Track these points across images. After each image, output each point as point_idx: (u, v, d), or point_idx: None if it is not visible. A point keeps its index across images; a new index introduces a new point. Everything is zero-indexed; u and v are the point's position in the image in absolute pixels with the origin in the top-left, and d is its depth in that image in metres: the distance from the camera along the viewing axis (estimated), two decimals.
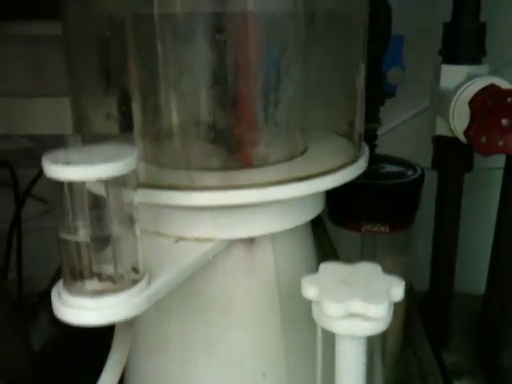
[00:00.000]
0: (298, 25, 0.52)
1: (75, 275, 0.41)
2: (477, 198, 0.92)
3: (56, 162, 0.39)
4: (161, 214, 0.50)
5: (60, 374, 0.75)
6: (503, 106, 0.68)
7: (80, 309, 0.40)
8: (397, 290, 0.43)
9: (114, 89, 0.54)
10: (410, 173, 0.75)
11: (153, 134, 0.55)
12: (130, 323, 0.45)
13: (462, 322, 0.92)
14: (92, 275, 0.41)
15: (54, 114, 0.86)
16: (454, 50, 0.82)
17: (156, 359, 0.55)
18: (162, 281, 0.43)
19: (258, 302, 0.53)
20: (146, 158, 0.54)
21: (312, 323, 0.44)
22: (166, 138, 0.53)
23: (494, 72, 0.80)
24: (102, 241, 0.41)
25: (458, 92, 0.73)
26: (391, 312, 0.42)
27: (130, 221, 0.42)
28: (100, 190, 0.40)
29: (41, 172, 0.39)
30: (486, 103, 0.68)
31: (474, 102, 0.69)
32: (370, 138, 0.82)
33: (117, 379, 0.46)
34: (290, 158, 0.54)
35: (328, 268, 0.47)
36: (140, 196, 0.45)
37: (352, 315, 0.42)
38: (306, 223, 0.55)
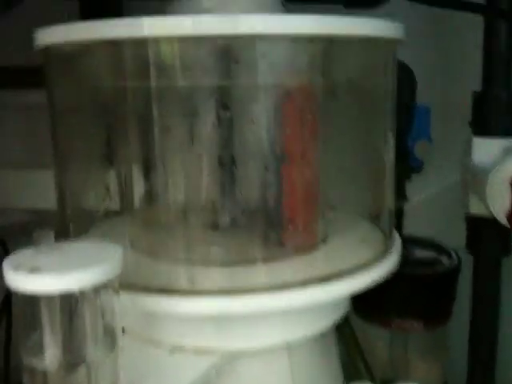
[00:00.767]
0: (315, 99, 0.45)
1: None
2: None
3: (19, 267, 0.31)
4: (153, 319, 0.42)
5: None
6: None
7: None
8: None
9: (105, 164, 0.48)
10: (444, 259, 0.66)
11: (148, 218, 0.47)
12: None
13: None
14: None
15: (52, 186, 0.79)
16: (486, 121, 0.75)
17: None
18: None
19: None
20: (138, 245, 0.46)
21: None
22: (163, 223, 0.46)
23: None
24: (73, 366, 0.33)
25: (496, 169, 0.65)
26: None
27: (110, 336, 0.34)
28: (73, 302, 0.32)
29: None
30: None
31: None
32: (396, 215, 0.74)
33: None
34: (309, 249, 0.46)
35: None
36: (128, 301, 0.37)
37: None
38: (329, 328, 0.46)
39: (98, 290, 0.32)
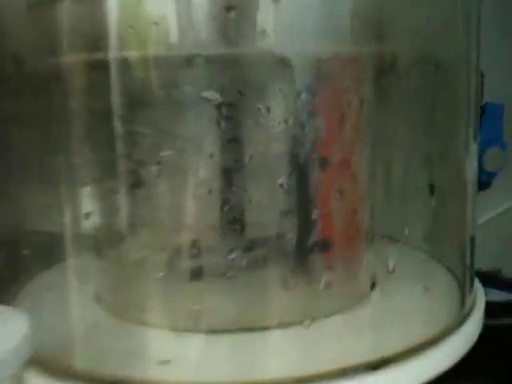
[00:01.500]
0: (364, 77, 0.29)
1: None
2: None
3: None
4: None
5: None
6: None
7: None
8: None
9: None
10: None
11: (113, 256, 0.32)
12: None
13: None
14: None
15: None
16: None
17: None
18: None
19: None
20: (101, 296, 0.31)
21: None
22: (133, 266, 0.31)
23: None
24: None
25: None
26: None
27: None
28: None
29: None
30: None
31: None
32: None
33: None
34: (345, 309, 0.30)
35: None
36: None
37: None
38: None
39: None
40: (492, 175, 0.59)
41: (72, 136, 0.28)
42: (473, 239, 0.34)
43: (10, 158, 0.31)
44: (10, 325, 0.20)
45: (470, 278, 0.34)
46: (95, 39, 0.27)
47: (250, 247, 0.26)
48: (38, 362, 0.24)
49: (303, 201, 0.26)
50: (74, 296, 0.33)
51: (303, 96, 0.26)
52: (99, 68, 0.28)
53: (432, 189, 0.33)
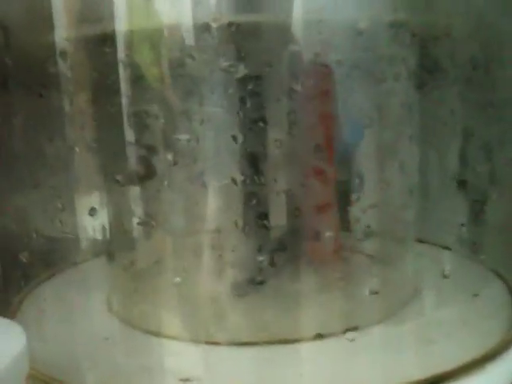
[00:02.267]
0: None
1: None
2: None
3: None
4: None
5: None
6: None
7: None
8: None
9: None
10: None
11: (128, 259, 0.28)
12: None
13: None
14: None
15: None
16: None
17: None
18: None
19: None
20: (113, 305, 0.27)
21: None
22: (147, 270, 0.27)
23: None
24: None
25: None
26: None
27: None
28: None
29: None
30: None
31: None
32: None
33: None
34: (389, 317, 0.26)
35: None
36: None
37: None
38: None
39: None
40: None
41: (72, 120, 0.24)
42: None
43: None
44: (6, 339, 0.17)
45: None
46: (100, 8, 0.23)
47: (280, 247, 0.22)
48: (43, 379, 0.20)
49: (344, 193, 0.22)
50: (83, 305, 0.29)
51: (341, 68, 0.22)
52: (102, 40, 0.24)
53: (481, 183, 0.29)
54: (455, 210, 0.27)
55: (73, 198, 0.28)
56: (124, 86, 0.22)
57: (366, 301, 0.24)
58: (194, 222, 0.23)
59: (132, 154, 0.23)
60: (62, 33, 0.23)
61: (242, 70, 0.21)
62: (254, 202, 0.22)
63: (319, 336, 0.23)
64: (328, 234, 0.22)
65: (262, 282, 0.22)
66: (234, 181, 0.21)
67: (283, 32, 0.22)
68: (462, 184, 0.26)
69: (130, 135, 0.22)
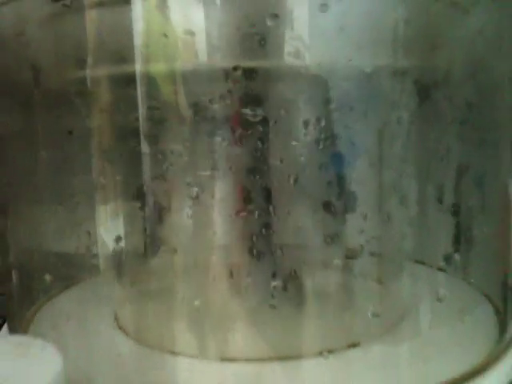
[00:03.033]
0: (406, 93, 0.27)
1: None
2: None
3: None
4: None
5: None
6: None
7: None
8: None
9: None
10: None
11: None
12: None
13: None
14: None
15: None
16: None
17: None
18: None
19: None
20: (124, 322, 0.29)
21: None
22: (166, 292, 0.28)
23: None
24: None
25: None
26: None
27: None
28: None
29: None
30: None
31: None
32: None
33: None
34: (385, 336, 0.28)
35: None
36: None
37: None
38: None
39: None
40: None
41: (95, 154, 0.26)
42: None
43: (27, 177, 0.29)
44: (42, 360, 0.18)
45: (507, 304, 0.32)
46: (122, 51, 0.25)
47: (291, 275, 0.24)
48: None
49: (348, 224, 0.24)
50: (95, 321, 0.30)
51: (349, 113, 0.24)
52: (126, 82, 0.25)
53: (470, 210, 0.31)
54: (449, 237, 0.29)
55: (91, 215, 0.30)
56: (146, 125, 0.24)
57: (367, 321, 0.26)
58: (211, 248, 0.25)
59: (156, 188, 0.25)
60: (88, 72, 0.25)
61: (260, 114, 0.23)
62: (267, 231, 0.24)
63: (321, 353, 0.25)
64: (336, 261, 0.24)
65: (273, 306, 0.24)
66: (251, 212, 0.24)
67: (294, 79, 0.24)
68: (455, 213, 0.28)
69: (153, 170, 0.24)
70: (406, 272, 0.29)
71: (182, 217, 0.25)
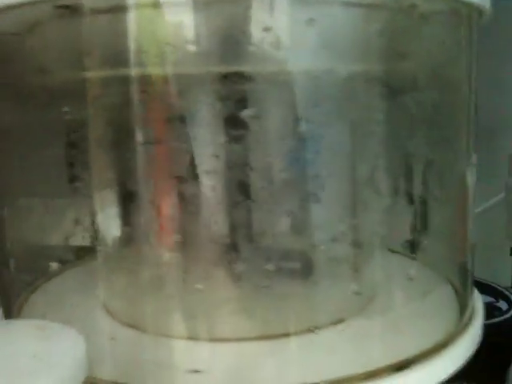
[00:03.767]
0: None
1: None
2: None
3: None
4: None
5: None
6: None
7: None
8: None
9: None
10: (502, 306, 0.52)
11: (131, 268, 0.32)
12: None
13: None
14: None
15: None
16: None
17: None
18: None
19: None
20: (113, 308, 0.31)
21: None
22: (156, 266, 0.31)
23: None
24: None
25: None
26: None
27: None
28: None
29: None
30: None
31: None
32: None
33: None
34: (348, 318, 0.31)
35: None
36: None
37: None
38: None
39: None
40: None
41: (97, 152, 0.28)
42: (473, 248, 0.35)
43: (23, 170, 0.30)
44: (65, 342, 0.20)
45: (467, 286, 0.36)
46: (119, 54, 0.27)
47: (286, 257, 0.27)
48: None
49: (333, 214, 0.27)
50: (84, 307, 0.32)
51: (326, 114, 0.27)
52: (119, 84, 0.28)
53: (433, 199, 0.35)
54: (414, 226, 0.33)
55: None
56: (145, 126, 0.27)
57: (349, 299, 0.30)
58: (211, 234, 0.28)
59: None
60: (92, 74, 0.27)
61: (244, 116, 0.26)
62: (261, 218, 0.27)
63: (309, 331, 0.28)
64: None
65: (267, 286, 0.27)
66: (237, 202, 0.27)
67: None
68: (423, 203, 0.32)
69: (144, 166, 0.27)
70: (380, 256, 0.32)
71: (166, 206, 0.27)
